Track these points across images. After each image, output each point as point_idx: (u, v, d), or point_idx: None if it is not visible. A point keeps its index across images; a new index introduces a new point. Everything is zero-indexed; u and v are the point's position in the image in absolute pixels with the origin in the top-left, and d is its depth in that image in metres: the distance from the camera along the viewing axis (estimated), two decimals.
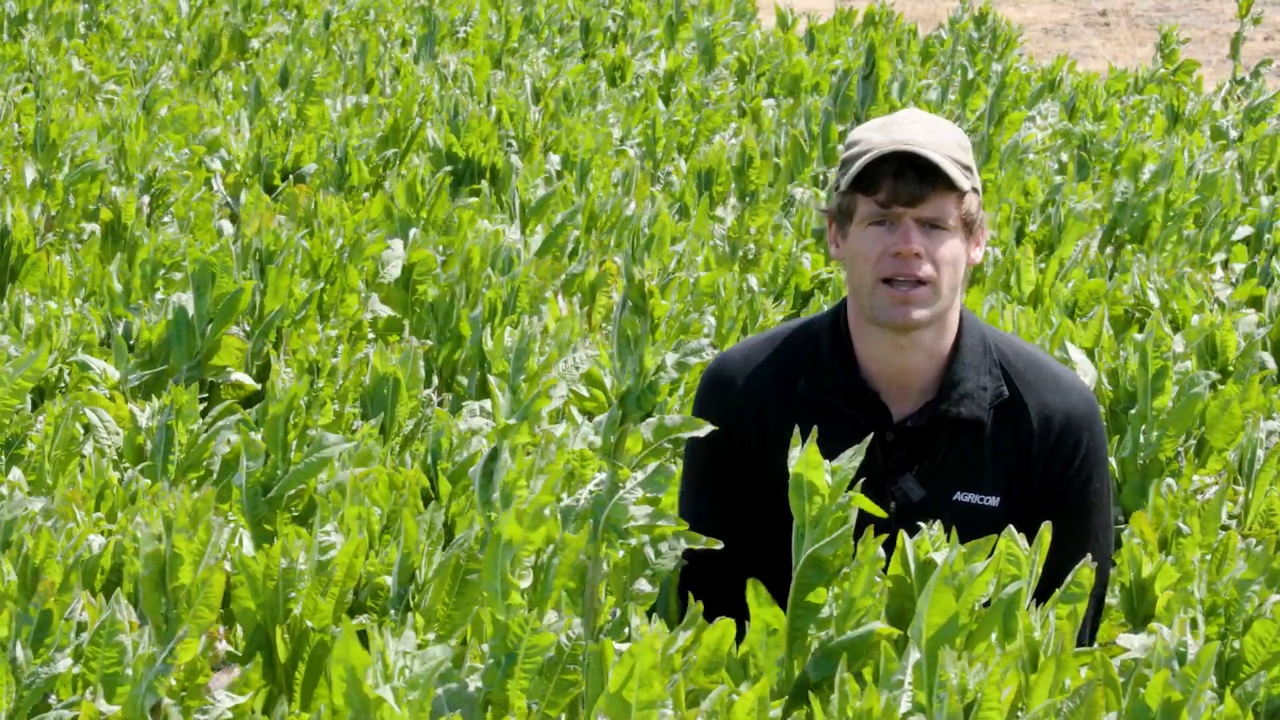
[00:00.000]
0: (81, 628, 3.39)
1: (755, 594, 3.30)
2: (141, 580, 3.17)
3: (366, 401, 5.23)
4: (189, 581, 3.18)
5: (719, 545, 3.17)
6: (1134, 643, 3.37)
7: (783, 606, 3.28)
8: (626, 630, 3.21)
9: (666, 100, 11.23)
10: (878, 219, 3.82)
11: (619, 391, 3.02)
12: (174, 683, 3.19)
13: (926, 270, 3.80)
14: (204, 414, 5.09)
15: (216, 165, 8.63)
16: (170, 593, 3.18)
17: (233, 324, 5.76)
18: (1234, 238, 8.18)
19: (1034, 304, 6.94)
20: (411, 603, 3.64)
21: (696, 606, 3.24)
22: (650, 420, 3.02)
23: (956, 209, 3.82)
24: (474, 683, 3.05)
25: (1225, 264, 8.02)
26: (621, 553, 3.10)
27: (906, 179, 3.79)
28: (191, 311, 5.71)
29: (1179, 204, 7.98)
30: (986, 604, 3.08)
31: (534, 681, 3.01)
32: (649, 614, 3.24)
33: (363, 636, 3.51)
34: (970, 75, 10.89)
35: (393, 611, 3.59)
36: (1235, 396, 5.30)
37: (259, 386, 5.75)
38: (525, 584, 3.04)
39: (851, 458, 3.24)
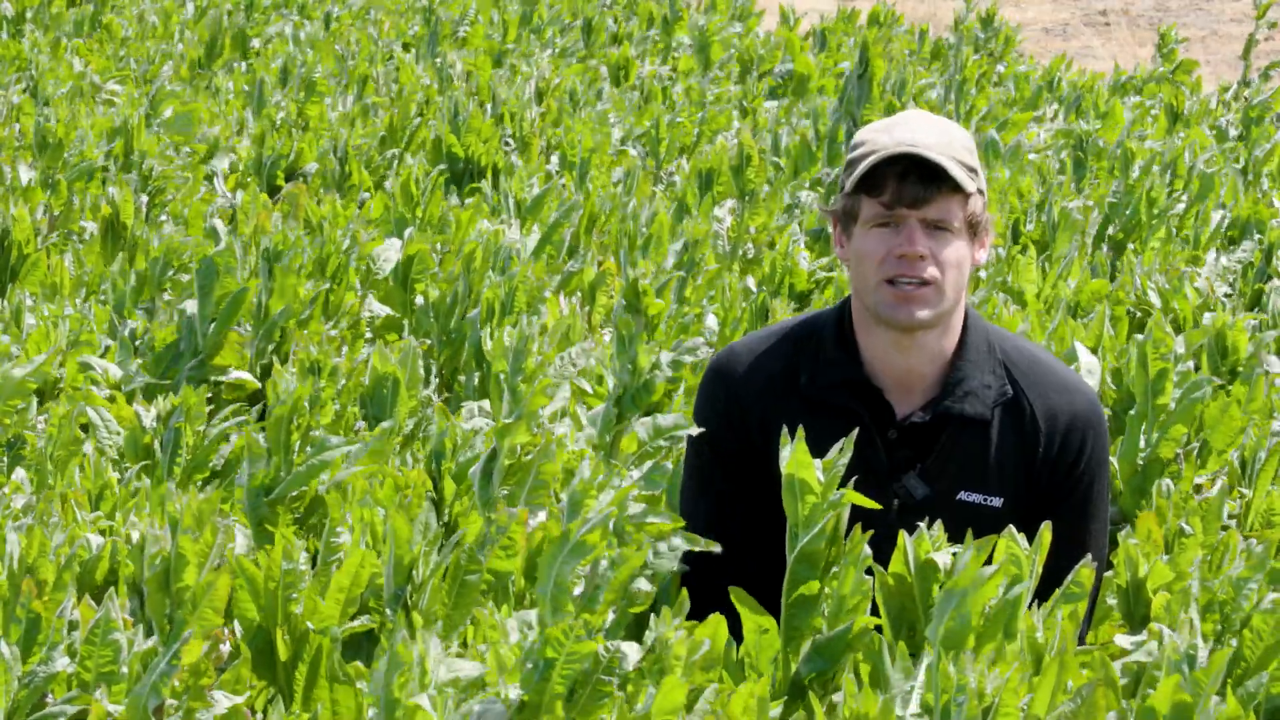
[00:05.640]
0: (73, 626, 3.38)
1: (738, 600, 3.28)
2: (146, 581, 3.16)
3: (367, 401, 5.23)
4: (194, 584, 3.17)
5: (717, 548, 3.15)
6: (1131, 643, 3.37)
7: (780, 604, 3.27)
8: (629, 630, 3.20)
9: (670, 101, 11.23)
10: (882, 220, 3.81)
11: (618, 390, 3.01)
12: (177, 684, 3.18)
13: (931, 272, 3.79)
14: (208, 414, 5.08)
15: (224, 165, 8.62)
16: (174, 594, 3.17)
17: (235, 323, 5.76)
18: (1233, 236, 8.17)
19: (1034, 304, 6.93)
20: (410, 603, 3.63)
21: (687, 605, 3.23)
22: (645, 420, 3.00)
23: (961, 210, 3.81)
24: (513, 690, 3.01)
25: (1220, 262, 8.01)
26: (618, 551, 3.08)
27: (911, 181, 3.78)
28: (195, 311, 5.71)
29: (1161, 201, 7.98)
30: None
31: (570, 690, 2.98)
32: (650, 612, 3.22)
33: (367, 635, 3.51)
34: (969, 75, 10.89)
35: (389, 612, 3.57)
36: (1236, 399, 5.29)
37: (260, 386, 5.74)
38: (577, 591, 3.02)
39: (840, 453, 3.22)
